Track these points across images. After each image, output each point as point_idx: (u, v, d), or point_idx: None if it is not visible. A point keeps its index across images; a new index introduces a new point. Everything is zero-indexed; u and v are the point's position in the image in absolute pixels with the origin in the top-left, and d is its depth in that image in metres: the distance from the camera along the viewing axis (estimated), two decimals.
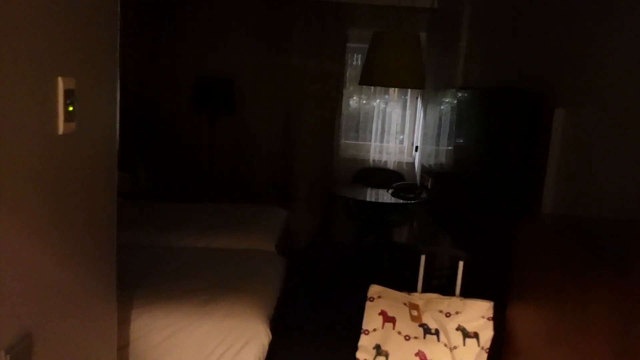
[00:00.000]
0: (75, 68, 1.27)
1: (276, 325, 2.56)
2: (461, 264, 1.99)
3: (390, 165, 5.38)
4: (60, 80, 1.19)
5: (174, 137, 5.19)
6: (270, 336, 2.34)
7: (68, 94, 1.22)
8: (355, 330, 2.07)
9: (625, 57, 1.97)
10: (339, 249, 4.82)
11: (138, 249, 3.03)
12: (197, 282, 2.57)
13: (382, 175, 5.25)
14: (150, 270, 2.68)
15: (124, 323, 2.20)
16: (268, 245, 3.36)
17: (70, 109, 1.23)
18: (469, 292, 2.10)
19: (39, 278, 1.17)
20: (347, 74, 5.28)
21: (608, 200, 1.99)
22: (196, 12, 5.03)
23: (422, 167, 4.98)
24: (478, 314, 1.88)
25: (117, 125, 1.59)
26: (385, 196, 4.41)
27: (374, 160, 5.39)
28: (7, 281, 1.03)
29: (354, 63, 5.35)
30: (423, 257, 2.01)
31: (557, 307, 1.38)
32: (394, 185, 4.56)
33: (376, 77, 4.11)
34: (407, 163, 5.39)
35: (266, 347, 2.32)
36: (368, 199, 4.32)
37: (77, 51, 1.28)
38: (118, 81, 1.58)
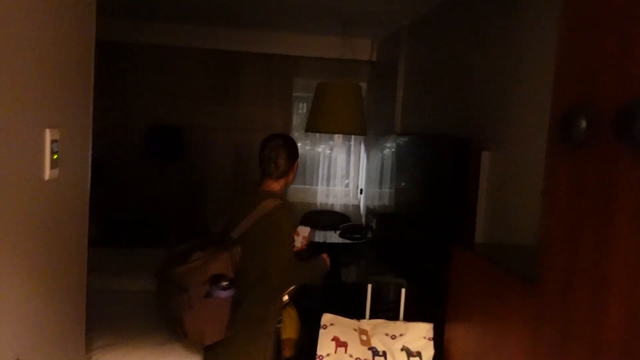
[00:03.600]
0: (60, 120, 1.43)
1: None
2: (403, 290, 2.21)
3: (337, 208, 5.58)
4: (47, 131, 1.34)
5: (125, 184, 5.24)
6: None
7: (53, 143, 1.37)
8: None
9: (535, 106, 2.30)
10: None
11: (94, 293, 3.07)
12: (155, 322, 2.64)
13: (329, 218, 5.43)
14: (108, 313, 2.73)
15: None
16: None
17: (55, 157, 1.38)
18: (414, 317, 2.31)
19: (24, 312, 1.28)
20: (294, 122, 5.54)
21: (527, 228, 2.27)
22: (146, 63, 5.20)
23: (367, 208, 5.24)
24: (420, 335, 2.09)
25: (89, 171, 1.73)
26: (333, 237, 4.59)
27: (320, 204, 5.59)
28: (0, 313, 1.15)
29: (300, 111, 5.62)
30: (369, 287, 2.22)
31: (483, 322, 1.61)
32: (340, 226, 4.75)
33: (321, 124, 4.38)
34: (352, 205, 5.62)
35: None
36: (315, 240, 4.49)
37: (61, 104, 1.44)
38: (91, 131, 1.73)
